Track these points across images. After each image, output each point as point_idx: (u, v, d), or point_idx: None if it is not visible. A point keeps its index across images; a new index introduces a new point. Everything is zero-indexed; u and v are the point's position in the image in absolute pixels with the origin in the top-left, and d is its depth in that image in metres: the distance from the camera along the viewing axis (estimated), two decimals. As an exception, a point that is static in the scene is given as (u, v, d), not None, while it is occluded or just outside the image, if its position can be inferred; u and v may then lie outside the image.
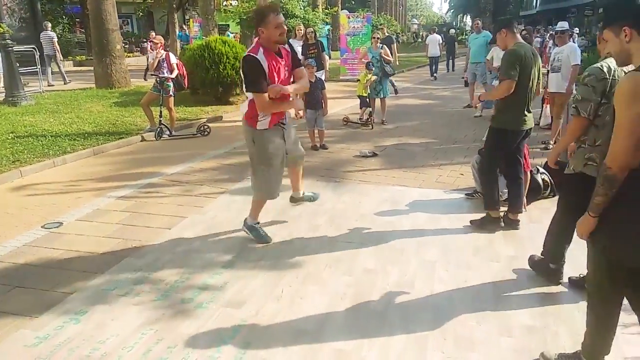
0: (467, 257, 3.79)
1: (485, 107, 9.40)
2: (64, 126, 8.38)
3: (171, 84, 7.84)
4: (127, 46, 23.57)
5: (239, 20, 15.92)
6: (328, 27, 24.04)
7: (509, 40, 4.08)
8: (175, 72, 7.85)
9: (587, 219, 2.14)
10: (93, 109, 10.07)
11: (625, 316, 2.44)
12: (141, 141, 7.86)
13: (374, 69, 8.73)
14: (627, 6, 2.10)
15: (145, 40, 26.21)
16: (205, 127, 8.30)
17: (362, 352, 2.68)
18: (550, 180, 4.94)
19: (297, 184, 4.65)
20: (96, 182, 5.74)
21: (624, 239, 2.06)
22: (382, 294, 3.26)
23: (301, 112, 6.96)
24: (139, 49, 26.34)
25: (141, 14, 30.98)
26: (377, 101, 9.23)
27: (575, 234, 2.30)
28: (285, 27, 3.62)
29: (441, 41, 18.70)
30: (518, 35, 4.11)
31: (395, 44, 13.93)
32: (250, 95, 3.72)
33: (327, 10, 22.80)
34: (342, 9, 26.73)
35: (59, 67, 14.96)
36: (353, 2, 47.15)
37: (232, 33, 19.59)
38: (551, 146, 6.84)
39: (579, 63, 6.89)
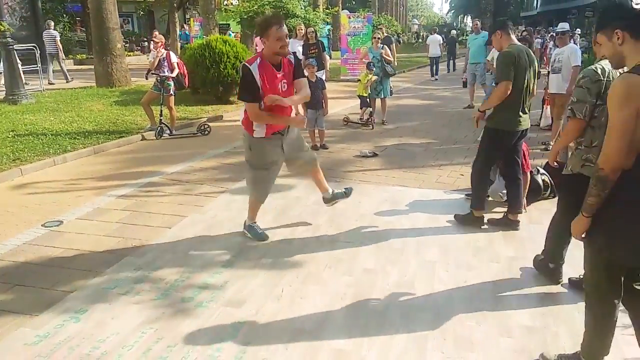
0: (467, 257, 3.80)
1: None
2: (65, 125, 8.39)
3: (172, 83, 7.84)
4: (127, 45, 23.55)
5: (239, 20, 15.90)
6: (328, 27, 24.04)
7: (503, 42, 4.11)
8: (176, 71, 7.85)
9: (580, 219, 2.17)
10: (93, 107, 10.07)
11: (625, 317, 2.44)
12: (141, 140, 7.86)
13: (374, 69, 8.73)
14: (618, 10, 2.16)
15: (146, 39, 26.23)
16: (206, 126, 8.30)
17: (361, 351, 2.68)
18: (550, 181, 4.94)
19: (321, 185, 4.42)
20: (96, 180, 5.75)
21: (619, 239, 2.08)
22: (382, 294, 3.26)
23: (302, 112, 6.97)
24: (139, 47, 26.33)
25: (142, 13, 31.01)
26: (378, 101, 9.23)
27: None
28: (287, 40, 3.62)
29: (442, 42, 18.71)
30: (513, 37, 4.14)
31: (394, 44, 13.93)
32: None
33: (327, 10, 22.79)
34: (342, 9, 26.75)
35: (61, 66, 14.96)
36: (354, 2, 47.16)
37: (234, 32, 19.59)
38: (551, 147, 6.84)
39: (580, 64, 6.90)
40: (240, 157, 6.63)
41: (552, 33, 19.81)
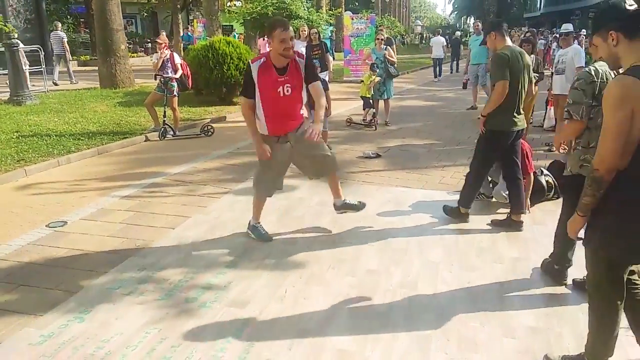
0: (470, 258, 3.79)
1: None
2: (69, 126, 8.42)
3: (175, 84, 7.87)
4: (131, 46, 23.62)
5: (242, 21, 15.93)
6: (331, 28, 24.05)
7: (498, 43, 4.14)
8: (179, 72, 7.87)
9: (576, 218, 2.22)
10: (97, 108, 10.10)
11: (629, 318, 2.44)
12: (145, 141, 7.88)
13: (378, 70, 8.73)
14: (612, 11, 2.24)
15: (149, 40, 26.30)
16: (209, 127, 8.31)
17: (365, 352, 2.68)
18: (554, 182, 4.93)
19: (335, 190, 4.28)
20: (100, 181, 5.77)
21: (615, 238, 2.10)
22: (385, 295, 3.26)
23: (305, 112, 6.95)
24: (143, 49, 26.40)
25: (145, 14, 31.11)
26: (381, 102, 9.23)
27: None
28: (291, 43, 3.65)
29: (445, 43, 18.73)
30: (507, 38, 4.20)
31: (394, 45, 13.93)
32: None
33: (330, 12, 22.80)
34: (345, 10, 26.74)
35: (67, 67, 15.02)
36: (357, 3, 47.21)
37: (238, 34, 19.61)
38: (554, 149, 6.83)
39: (583, 65, 6.88)
40: (244, 158, 6.67)
41: (555, 34, 19.78)
